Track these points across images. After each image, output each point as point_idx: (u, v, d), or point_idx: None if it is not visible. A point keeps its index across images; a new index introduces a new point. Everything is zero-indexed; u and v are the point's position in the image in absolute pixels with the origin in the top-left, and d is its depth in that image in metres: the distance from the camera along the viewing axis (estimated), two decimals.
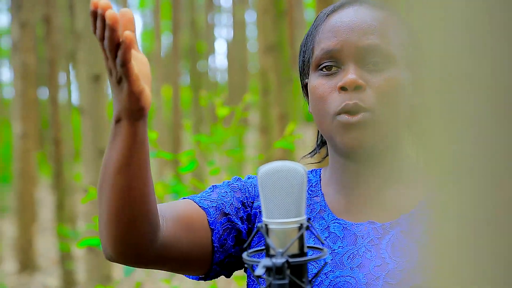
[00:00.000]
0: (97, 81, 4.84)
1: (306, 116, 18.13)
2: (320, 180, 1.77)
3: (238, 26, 20.67)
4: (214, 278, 1.75)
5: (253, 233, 1.41)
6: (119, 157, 1.48)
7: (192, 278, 1.77)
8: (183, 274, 1.73)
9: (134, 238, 1.53)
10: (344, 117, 1.62)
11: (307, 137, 10.57)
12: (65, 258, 9.19)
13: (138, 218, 1.52)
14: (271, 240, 1.40)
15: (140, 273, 8.73)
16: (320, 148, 1.86)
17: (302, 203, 1.44)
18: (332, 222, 1.69)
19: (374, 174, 1.70)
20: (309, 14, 27.70)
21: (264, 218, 1.42)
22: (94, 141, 4.80)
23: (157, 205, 1.61)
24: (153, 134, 3.75)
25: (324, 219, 1.70)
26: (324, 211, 1.71)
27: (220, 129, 3.81)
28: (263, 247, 1.40)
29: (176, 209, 1.67)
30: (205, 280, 1.75)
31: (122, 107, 1.47)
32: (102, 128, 4.86)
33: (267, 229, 1.41)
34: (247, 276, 1.75)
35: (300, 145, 11.09)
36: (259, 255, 1.66)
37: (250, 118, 19.26)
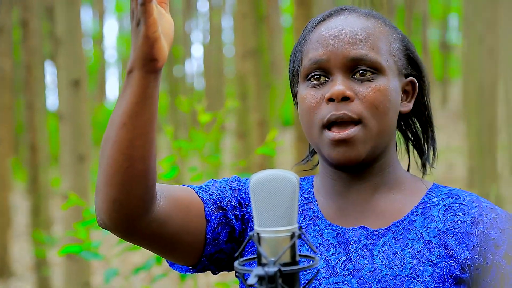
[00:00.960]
0: (77, 86, 4.81)
1: (284, 121, 18.15)
2: (313, 187, 1.77)
3: (215, 31, 20.67)
4: (200, 272, 1.74)
5: (245, 241, 1.40)
6: (126, 109, 1.49)
7: (178, 270, 1.76)
8: (171, 261, 1.72)
9: (129, 200, 1.52)
10: (332, 134, 1.63)
11: (285, 142, 10.58)
12: (40, 264, 9.12)
13: (136, 179, 1.50)
14: (263, 249, 1.40)
15: (119, 281, 8.67)
16: (312, 156, 1.86)
17: (294, 211, 1.43)
18: (325, 228, 1.70)
19: (365, 183, 1.71)
20: (286, 19, 27.76)
21: (255, 227, 1.42)
22: (73, 147, 4.77)
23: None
24: None
25: (317, 225, 1.71)
26: (318, 217, 1.71)
27: (201, 134, 3.81)
28: (255, 256, 1.39)
29: (174, 190, 1.66)
30: (191, 272, 1.74)
31: (136, 55, 1.47)
32: (81, 134, 4.83)
33: (259, 238, 1.40)
34: (240, 285, 1.74)
35: (278, 150, 11.10)
36: (250, 264, 1.66)
37: (226, 123, 19.25)
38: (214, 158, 3.87)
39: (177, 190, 1.67)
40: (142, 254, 9.60)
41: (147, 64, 1.47)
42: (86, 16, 28.96)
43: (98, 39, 23.20)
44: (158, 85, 1.51)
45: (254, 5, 8.32)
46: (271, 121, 8.78)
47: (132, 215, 1.54)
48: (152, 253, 1.96)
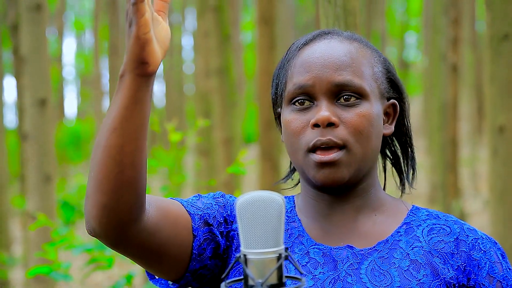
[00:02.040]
0: (43, 106, 4.76)
1: (246, 138, 18.18)
2: (295, 206, 1.78)
3: (175, 49, 20.65)
4: (183, 287, 1.72)
5: (232, 263, 1.41)
6: (116, 114, 1.49)
7: (160, 285, 1.74)
8: (155, 273, 1.70)
9: (119, 207, 1.51)
10: (317, 156, 1.64)
11: (248, 159, 10.57)
12: (2, 285, 8.98)
13: (126, 185, 1.50)
14: (250, 270, 1.40)
15: None
16: (292, 174, 1.87)
17: (281, 232, 1.44)
18: (311, 247, 1.70)
19: (347, 204, 1.73)
20: (245, 36, 27.85)
21: (242, 248, 1.42)
22: (39, 167, 4.72)
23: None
24: None
25: (303, 244, 1.71)
26: (303, 236, 1.72)
27: (172, 153, 3.79)
28: (242, 277, 1.39)
29: (163, 201, 1.66)
30: (173, 286, 1.73)
31: (127, 58, 1.47)
32: (47, 153, 4.78)
33: (245, 259, 1.40)
34: None
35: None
36: (237, 285, 1.65)
37: (187, 140, 19.21)
38: (181, 177, 3.86)
39: (166, 202, 1.67)
40: (108, 275, 9.51)
41: (138, 67, 1.48)
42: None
43: (57, 57, 23.05)
44: (150, 91, 1.51)
45: (218, 24, 8.33)
46: (237, 139, 8.79)
47: (122, 222, 1.53)
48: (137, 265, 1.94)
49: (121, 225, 1.54)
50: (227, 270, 1.40)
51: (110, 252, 3.73)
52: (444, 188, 9.55)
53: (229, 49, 8.51)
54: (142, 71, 1.48)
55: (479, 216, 11.21)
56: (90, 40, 35.30)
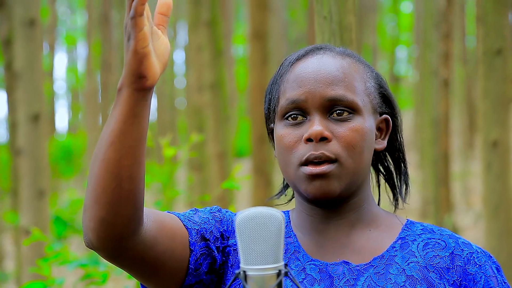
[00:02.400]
0: (36, 121, 4.76)
1: (237, 152, 18.17)
2: (290, 221, 1.78)
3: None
4: None
5: (232, 280, 1.41)
6: (114, 128, 1.49)
7: None
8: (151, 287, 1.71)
9: (117, 220, 1.51)
10: (308, 169, 1.65)
11: (240, 173, 10.57)
12: None
13: (124, 199, 1.51)
14: (250, 287, 1.40)
15: None
16: (286, 190, 1.87)
17: (280, 249, 1.44)
18: (307, 263, 1.70)
19: (341, 219, 1.73)
20: (236, 51, 27.88)
21: (242, 265, 1.42)
22: (33, 182, 4.71)
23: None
24: None
25: (299, 260, 1.71)
26: (299, 252, 1.72)
27: (166, 167, 3.79)
28: None
29: (161, 215, 1.66)
30: None
31: (125, 72, 1.47)
32: (41, 169, 4.77)
33: (245, 276, 1.40)
34: None
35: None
36: None
37: (180, 155, 19.18)
38: (176, 192, 3.86)
39: (164, 216, 1.67)
40: None
41: (136, 81, 1.48)
42: None
43: (48, 71, 23.03)
44: (148, 105, 1.51)
45: (211, 38, 8.35)
46: (230, 154, 8.79)
47: (119, 235, 1.53)
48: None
49: (118, 238, 1.54)
50: (227, 286, 1.40)
51: (104, 267, 3.72)
52: (436, 203, 9.56)
53: (222, 64, 8.53)
54: (140, 85, 1.48)
55: (471, 230, 11.23)
56: (82, 55, 35.32)
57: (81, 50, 35.41)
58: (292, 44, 23.68)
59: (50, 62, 23.25)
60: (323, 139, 1.65)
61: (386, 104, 1.77)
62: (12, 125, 6.92)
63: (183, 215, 1.71)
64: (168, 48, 1.53)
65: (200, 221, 1.71)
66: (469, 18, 23.25)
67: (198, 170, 8.90)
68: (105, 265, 3.74)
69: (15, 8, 4.81)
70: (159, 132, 18.09)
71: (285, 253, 1.73)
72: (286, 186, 1.87)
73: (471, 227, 11.50)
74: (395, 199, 1.82)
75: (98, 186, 1.51)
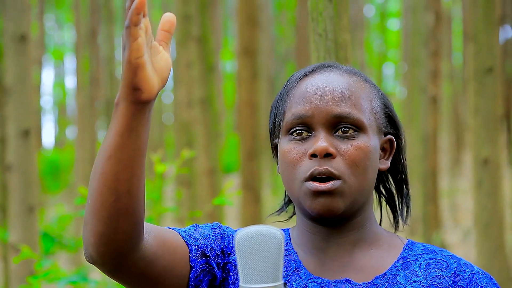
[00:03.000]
0: (27, 137, 4.74)
1: (225, 168, 18.15)
2: (290, 239, 1.78)
3: None
4: None
5: None
6: (111, 142, 1.48)
7: None
8: None
9: (117, 235, 1.51)
10: (314, 185, 1.64)
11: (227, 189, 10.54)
12: None
13: (123, 213, 1.50)
14: None
15: None
16: (287, 207, 1.86)
17: (280, 267, 1.43)
18: (309, 281, 1.70)
19: (343, 238, 1.72)
20: (225, 66, 27.92)
21: (241, 283, 1.41)
22: (22, 198, 4.68)
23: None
24: (82, 190, 3.69)
25: (301, 278, 1.70)
26: (300, 269, 1.71)
27: (157, 183, 3.78)
28: None
29: (162, 231, 1.65)
30: None
31: (122, 84, 1.46)
32: (31, 184, 4.75)
33: None
34: None
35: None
36: None
37: (170, 171, 19.14)
38: (168, 208, 3.84)
39: (164, 231, 1.66)
40: None
41: (131, 93, 1.46)
42: None
43: (36, 86, 22.98)
44: (146, 119, 1.50)
45: (202, 54, 8.35)
46: (220, 170, 8.78)
47: (119, 250, 1.53)
48: None
49: (118, 253, 1.53)
50: None
51: (94, 284, 3.70)
52: (425, 220, 9.57)
53: (213, 79, 8.53)
54: (136, 98, 1.46)
55: (458, 247, 11.24)
56: (69, 70, 35.26)
57: (69, 65, 35.37)
58: (280, 60, 23.74)
59: (37, 77, 23.21)
60: (328, 155, 1.65)
61: (391, 125, 1.77)
62: (2, 140, 6.89)
63: (184, 231, 1.70)
64: (169, 64, 1.52)
65: (200, 237, 1.70)
66: (456, 36, 23.40)
67: (187, 186, 8.87)
68: (95, 281, 3.72)
69: (6, 23, 4.80)
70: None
71: (286, 270, 1.72)
72: (287, 203, 1.86)
73: (459, 244, 11.51)
74: (396, 221, 1.82)
75: (96, 200, 1.50)
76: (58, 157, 25.64)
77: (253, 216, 8.15)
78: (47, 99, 35.80)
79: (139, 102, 1.47)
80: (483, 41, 4.05)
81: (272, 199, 16.62)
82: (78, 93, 13.31)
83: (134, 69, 1.44)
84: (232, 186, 3.94)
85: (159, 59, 1.50)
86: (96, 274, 10.35)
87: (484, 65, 4.03)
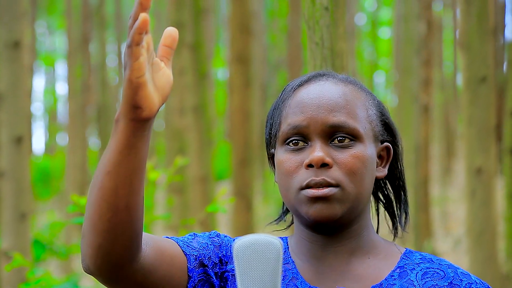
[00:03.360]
0: (20, 143, 4.73)
1: (216, 176, 18.12)
2: (288, 247, 1.78)
3: None
4: None
5: None
6: (110, 157, 1.48)
7: None
8: None
9: (114, 248, 1.51)
10: (310, 191, 1.64)
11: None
12: None
13: (120, 228, 1.50)
14: None
15: None
16: (285, 216, 1.86)
17: (278, 276, 1.43)
18: None
19: (341, 246, 1.72)
20: (217, 74, 27.92)
21: None
22: (15, 205, 4.67)
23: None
24: (75, 197, 3.68)
25: (297, 287, 1.70)
26: (297, 278, 1.71)
27: (151, 191, 3.77)
28: None
29: (160, 241, 1.65)
30: None
31: (122, 102, 1.46)
32: (23, 191, 4.73)
33: None
34: None
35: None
36: None
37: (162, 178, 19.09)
38: (165, 216, 3.84)
39: (162, 242, 1.66)
40: None
41: (131, 111, 1.46)
42: None
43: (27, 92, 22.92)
44: (146, 135, 1.49)
45: (195, 61, 8.35)
46: (212, 177, 8.77)
47: (117, 262, 1.53)
48: None
49: (116, 265, 1.54)
50: None
51: None
52: (416, 228, 9.58)
53: (206, 87, 8.53)
54: (136, 116, 1.46)
55: (450, 255, 11.26)
56: (60, 76, 35.18)
57: (60, 71, 35.29)
58: (272, 68, 23.76)
59: (29, 83, 23.16)
60: (324, 165, 1.65)
61: (388, 132, 1.77)
62: None
63: (181, 241, 1.70)
64: (170, 81, 1.51)
65: (198, 246, 1.70)
66: (447, 45, 23.47)
67: (179, 193, 8.86)
68: None
69: None
70: None
71: (283, 279, 1.72)
72: (285, 212, 1.86)
73: (450, 253, 11.53)
74: (395, 227, 1.82)
75: (94, 214, 1.50)
76: (48, 163, 25.56)
77: (244, 223, 8.14)
78: (37, 106, 35.73)
79: (139, 120, 1.47)
80: (477, 50, 4.05)
81: (263, 207, 16.61)
82: (70, 100, 13.29)
83: (135, 88, 1.44)
84: (222, 193, 3.94)
85: (161, 76, 1.49)
86: (87, 281, 10.31)
87: (478, 74, 4.04)
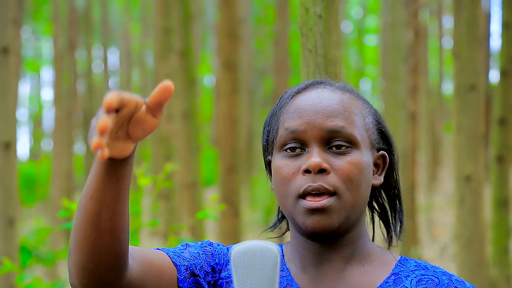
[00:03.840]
0: (8, 149, 4.70)
1: (202, 182, 18.11)
2: (283, 255, 1.78)
3: (134, 91, 20.62)
4: None
5: None
6: (92, 183, 1.49)
7: None
8: None
9: (99, 269, 1.52)
10: (308, 203, 1.64)
11: (205, 203, 10.53)
12: None
13: (105, 249, 1.51)
14: None
15: None
16: (280, 223, 1.86)
17: (275, 283, 1.44)
18: None
19: (336, 254, 1.73)
20: (203, 80, 27.91)
21: None
22: (3, 210, 4.64)
23: (130, 246, 1.60)
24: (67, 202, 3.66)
25: None
26: (291, 285, 1.71)
27: (139, 196, 3.76)
28: None
29: (149, 255, 1.65)
30: None
31: None
32: (11, 197, 4.71)
33: None
34: None
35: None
36: None
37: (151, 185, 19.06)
38: (153, 223, 3.83)
39: (151, 254, 1.66)
40: None
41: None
42: None
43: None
44: (127, 166, 1.49)
45: (184, 67, 8.35)
46: (200, 183, 8.76)
47: (101, 281, 1.54)
48: None
49: (101, 284, 1.55)
50: None
51: None
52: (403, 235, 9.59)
53: (195, 93, 8.52)
54: (110, 160, 1.47)
55: (436, 262, 11.29)
56: (45, 82, 35.06)
57: (45, 77, 35.17)
58: (259, 74, 23.78)
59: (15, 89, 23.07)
60: (322, 171, 1.65)
61: (384, 141, 1.78)
62: None
63: (172, 252, 1.71)
64: (152, 128, 1.46)
65: (190, 256, 1.71)
66: (432, 53, 23.57)
67: (166, 199, 8.85)
68: None
69: None
70: None
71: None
72: (280, 219, 1.86)
73: (437, 259, 11.56)
74: (389, 236, 1.83)
75: (79, 235, 1.51)
76: (33, 169, 25.46)
77: (232, 229, 8.13)
78: (22, 112, 35.59)
79: (112, 160, 1.47)
80: (466, 58, 4.07)
81: (250, 213, 16.61)
82: (56, 105, 13.24)
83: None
84: (207, 199, 3.93)
85: (138, 129, 1.45)
86: None
87: (467, 82, 4.06)
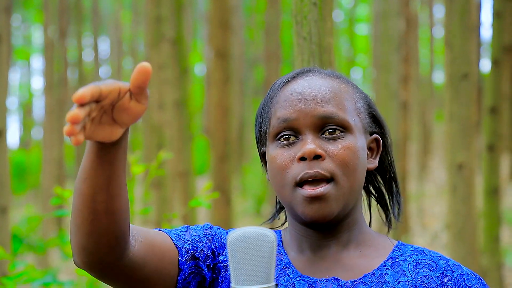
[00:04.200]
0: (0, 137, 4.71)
1: (195, 170, 18.12)
2: (282, 240, 1.79)
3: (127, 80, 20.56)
4: None
5: None
6: (85, 165, 1.50)
7: None
8: None
9: (99, 249, 1.54)
10: (306, 191, 1.65)
11: (197, 191, 10.53)
12: None
13: (103, 230, 1.52)
14: None
15: None
16: (278, 214, 1.87)
17: (272, 269, 1.44)
18: (297, 279, 1.71)
19: (334, 240, 1.73)
20: (194, 69, 27.86)
21: (232, 284, 1.42)
22: None
23: (132, 226, 1.61)
24: (60, 190, 3.66)
25: (289, 275, 1.72)
26: (288, 267, 1.73)
27: (132, 185, 3.76)
28: None
29: (150, 235, 1.67)
30: None
31: None
32: (3, 185, 4.71)
33: None
34: None
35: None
36: None
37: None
38: (146, 210, 3.84)
39: (154, 235, 1.67)
40: None
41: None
42: None
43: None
44: (120, 147, 1.48)
45: (176, 56, 8.33)
46: (193, 172, 8.76)
47: (103, 260, 1.56)
48: None
49: (102, 263, 1.57)
50: None
51: (69, 285, 3.67)
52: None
53: (187, 82, 8.50)
54: (100, 143, 1.47)
55: None
56: (35, 70, 34.93)
57: (35, 65, 35.03)
58: (250, 63, 23.74)
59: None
60: (317, 157, 1.65)
61: (376, 124, 1.79)
62: None
63: (174, 233, 1.71)
64: (138, 114, 1.44)
65: (191, 239, 1.71)
66: (423, 42, 23.58)
67: (157, 187, 8.85)
68: (70, 283, 3.70)
69: None
70: None
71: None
72: (278, 210, 1.87)
73: (428, 248, 11.60)
74: (388, 219, 1.83)
75: (77, 217, 1.53)
76: (23, 158, 25.40)
77: (224, 218, 8.15)
78: (12, 100, 35.46)
79: (102, 144, 1.47)
80: (459, 47, 4.08)
81: (241, 202, 16.63)
82: (46, 94, 13.20)
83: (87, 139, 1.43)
84: (202, 188, 3.94)
85: (123, 115, 1.44)
86: (64, 276, 10.26)
87: (460, 71, 4.07)
